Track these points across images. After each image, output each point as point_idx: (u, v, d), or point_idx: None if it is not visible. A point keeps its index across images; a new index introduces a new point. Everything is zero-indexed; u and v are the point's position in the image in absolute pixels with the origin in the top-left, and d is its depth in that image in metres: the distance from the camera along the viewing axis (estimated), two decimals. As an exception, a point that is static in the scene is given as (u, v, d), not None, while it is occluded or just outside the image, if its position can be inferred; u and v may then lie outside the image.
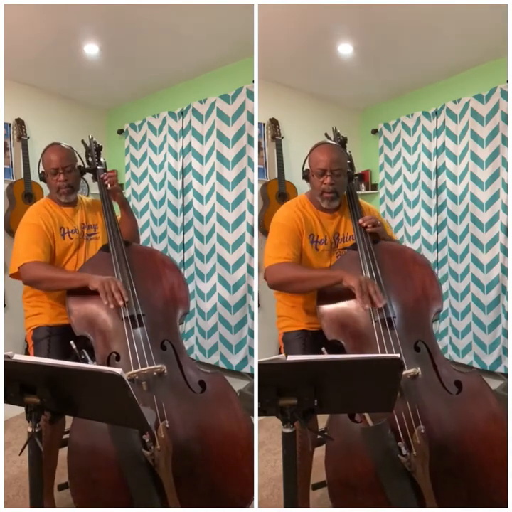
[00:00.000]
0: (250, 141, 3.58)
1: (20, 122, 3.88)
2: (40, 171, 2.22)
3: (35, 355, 2.03)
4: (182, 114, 3.95)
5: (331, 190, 2.01)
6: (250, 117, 3.54)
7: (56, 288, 2.05)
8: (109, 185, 2.21)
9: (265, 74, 3.63)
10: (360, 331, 1.85)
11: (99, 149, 2.34)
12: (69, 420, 1.78)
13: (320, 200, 2.05)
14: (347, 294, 1.87)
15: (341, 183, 2.04)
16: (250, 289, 3.60)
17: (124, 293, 1.88)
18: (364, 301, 1.80)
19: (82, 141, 2.37)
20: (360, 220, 2.04)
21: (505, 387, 3.22)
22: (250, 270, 3.59)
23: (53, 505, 2.01)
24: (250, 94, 3.51)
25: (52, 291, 2.09)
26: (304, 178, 2.14)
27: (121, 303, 1.87)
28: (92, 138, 2.37)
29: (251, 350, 3.63)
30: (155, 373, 1.81)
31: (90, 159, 2.32)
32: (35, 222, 2.10)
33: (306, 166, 2.11)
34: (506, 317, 3.47)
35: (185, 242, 3.99)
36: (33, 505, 1.36)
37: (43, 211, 2.15)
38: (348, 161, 2.12)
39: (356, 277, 1.83)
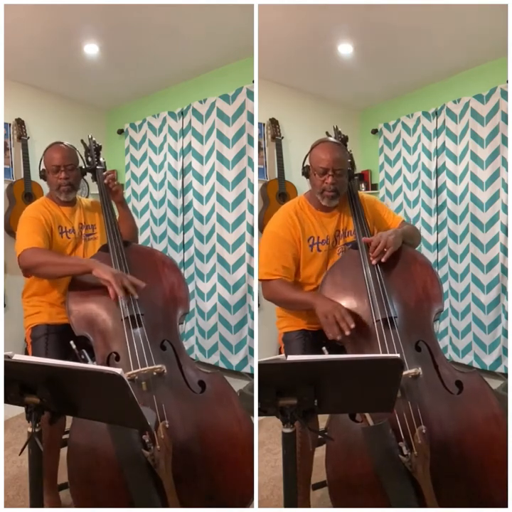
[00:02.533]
0: (250, 141, 3.58)
1: (20, 122, 3.88)
2: (41, 169, 2.23)
3: (33, 353, 2.03)
4: (182, 114, 3.95)
5: (332, 190, 1.99)
6: (250, 117, 3.54)
7: (57, 273, 2.01)
8: (112, 188, 2.23)
9: (265, 74, 3.62)
10: (361, 331, 1.84)
11: (98, 149, 2.34)
12: (69, 420, 1.78)
13: (320, 198, 2.04)
14: (347, 295, 1.87)
15: (342, 182, 2.02)
16: (250, 289, 3.60)
17: (137, 285, 1.89)
18: (331, 332, 1.77)
19: (82, 141, 2.37)
20: (373, 261, 1.93)
21: (505, 387, 3.22)
22: (250, 270, 3.59)
23: (59, 504, 2.02)
24: (250, 94, 3.51)
25: (53, 278, 2.07)
26: (303, 174, 2.12)
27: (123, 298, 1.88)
28: (91, 137, 2.37)
29: (251, 350, 3.62)
30: (155, 373, 1.80)
31: (90, 159, 2.33)
32: (34, 216, 2.11)
33: (307, 162, 2.09)
34: (506, 317, 3.46)
35: (185, 242, 3.99)
36: (33, 505, 1.36)
37: (41, 208, 2.16)
38: (349, 160, 2.11)
39: (323, 309, 1.80)
